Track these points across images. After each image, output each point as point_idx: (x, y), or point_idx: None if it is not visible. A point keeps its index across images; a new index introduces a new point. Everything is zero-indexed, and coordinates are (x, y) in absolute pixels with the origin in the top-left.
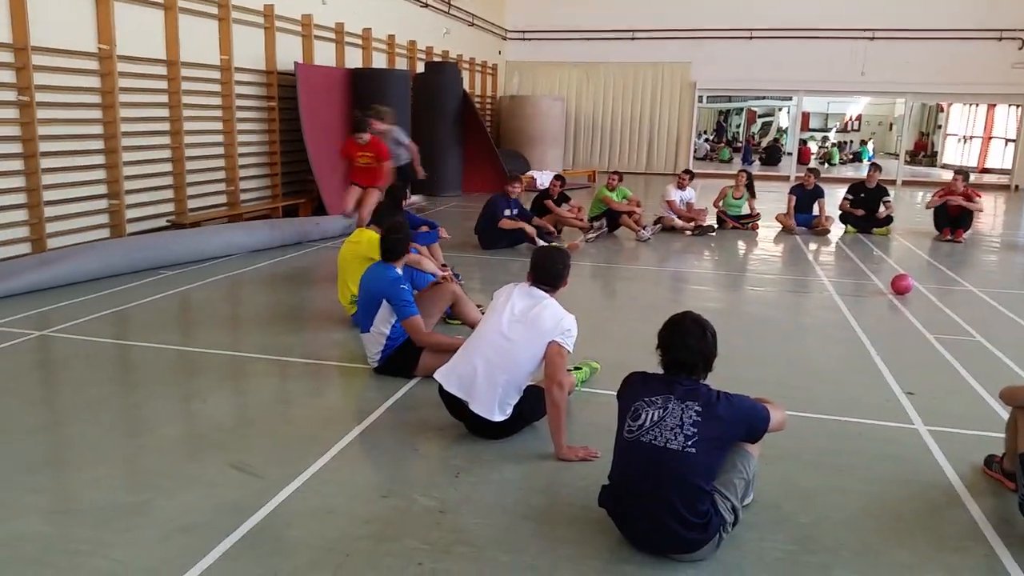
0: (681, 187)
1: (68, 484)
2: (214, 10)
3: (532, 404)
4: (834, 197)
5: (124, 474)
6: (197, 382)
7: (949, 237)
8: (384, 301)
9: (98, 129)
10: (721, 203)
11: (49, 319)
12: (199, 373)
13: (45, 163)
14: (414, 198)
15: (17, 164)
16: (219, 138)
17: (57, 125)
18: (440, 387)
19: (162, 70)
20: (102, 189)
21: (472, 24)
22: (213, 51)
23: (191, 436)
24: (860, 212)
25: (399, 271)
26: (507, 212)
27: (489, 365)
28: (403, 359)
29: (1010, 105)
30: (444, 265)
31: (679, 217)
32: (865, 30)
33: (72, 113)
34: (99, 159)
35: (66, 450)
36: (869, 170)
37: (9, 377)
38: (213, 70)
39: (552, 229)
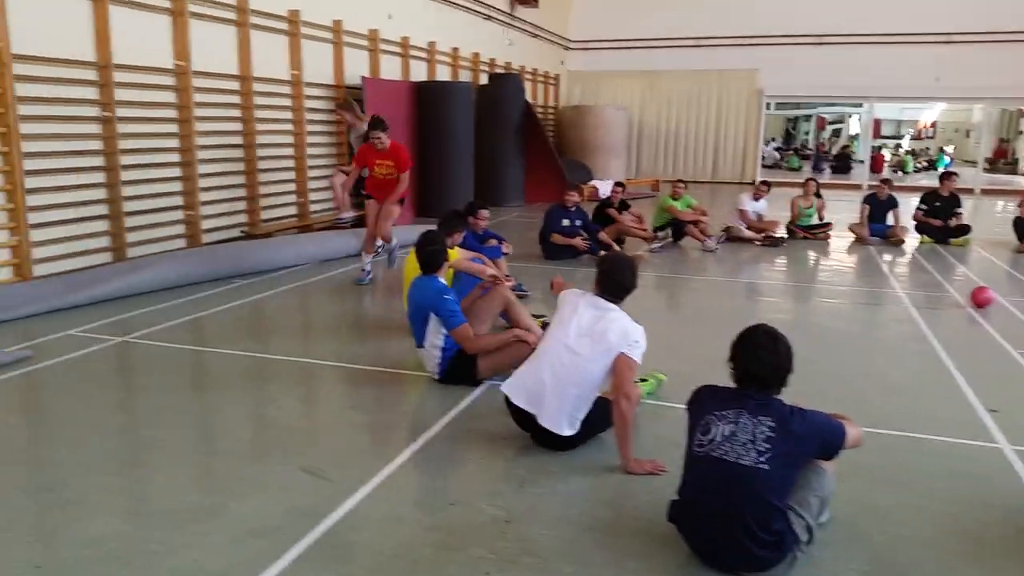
0: (757, 198)
1: (146, 485)
2: (284, 26)
3: (599, 416)
4: (908, 206)
5: (199, 477)
6: (269, 388)
7: None
8: (432, 314)
9: (175, 143)
10: (797, 211)
11: (129, 325)
12: (271, 379)
13: (125, 175)
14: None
15: (99, 177)
16: (290, 151)
17: (136, 139)
18: (507, 398)
19: (235, 85)
20: (179, 200)
21: (535, 35)
22: (284, 66)
23: (264, 440)
24: (938, 222)
25: (442, 281)
26: (564, 222)
27: (557, 379)
28: (463, 367)
29: None
30: (508, 276)
31: (749, 228)
32: (940, 34)
33: (150, 127)
34: (176, 171)
35: (144, 453)
36: (942, 179)
37: (92, 381)
38: (284, 85)
39: (613, 244)
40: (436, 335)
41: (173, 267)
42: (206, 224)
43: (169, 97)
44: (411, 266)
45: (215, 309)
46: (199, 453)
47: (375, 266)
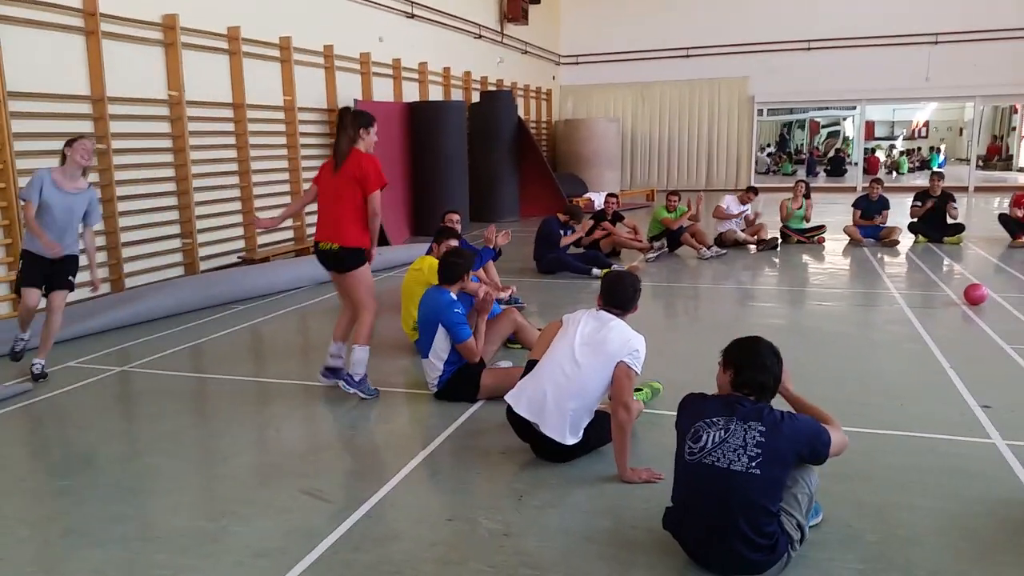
0: (744, 203)
1: (149, 512)
2: (276, 53)
3: (598, 430)
4: (904, 206)
5: (201, 501)
6: (269, 411)
7: None
8: (440, 325)
9: (170, 172)
10: (786, 212)
11: (129, 355)
12: (271, 403)
13: (122, 206)
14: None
15: None
16: (285, 175)
17: (132, 170)
18: (509, 408)
19: (229, 113)
20: (176, 229)
21: (525, 52)
22: (277, 92)
23: (264, 464)
24: (929, 204)
25: (453, 295)
26: (563, 233)
27: (558, 391)
28: (464, 383)
29: None
30: (506, 286)
31: (730, 220)
32: (928, 34)
33: (146, 158)
34: (172, 200)
35: (146, 480)
36: (931, 178)
37: (92, 411)
38: (277, 110)
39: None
40: (442, 348)
41: (171, 296)
42: (203, 251)
43: (164, 127)
44: (408, 283)
45: (214, 335)
46: (200, 478)
47: None
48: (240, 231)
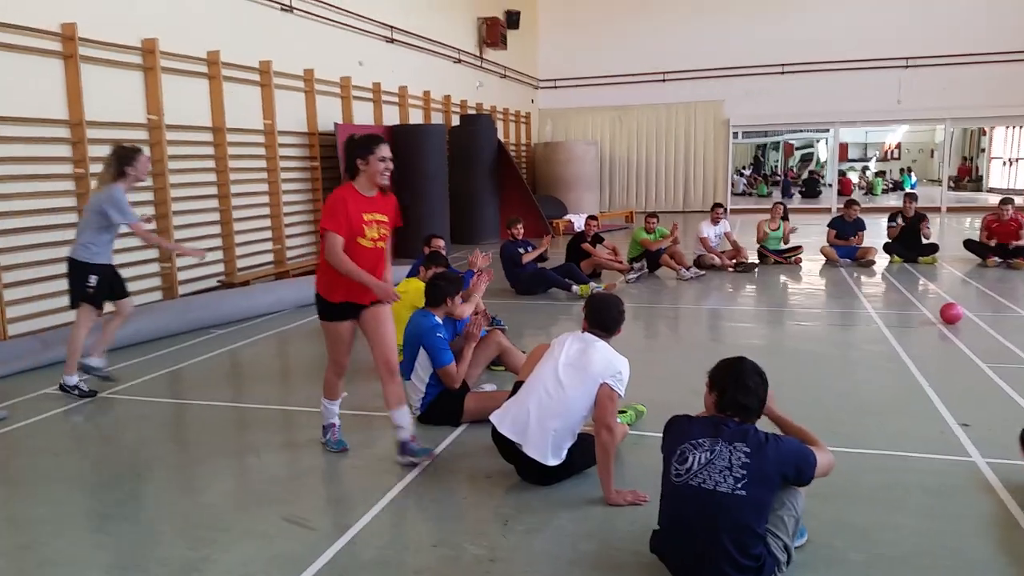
0: (715, 221)
1: (129, 540)
2: (256, 77)
3: (583, 452)
4: (879, 227)
5: (183, 529)
6: (250, 437)
7: (998, 260)
8: (422, 348)
9: (149, 196)
10: (764, 231)
11: (106, 381)
12: (252, 428)
13: None
14: None
15: (73, 235)
16: (265, 199)
17: None
18: (493, 429)
19: (208, 136)
20: (154, 253)
21: (504, 76)
22: (256, 116)
23: (246, 490)
24: (902, 224)
25: (438, 319)
26: (520, 250)
27: (542, 410)
28: (447, 407)
29: None
30: (493, 318)
31: (712, 252)
32: (899, 58)
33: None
34: (150, 225)
35: (127, 507)
36: (905, 200)
37: (71, 438)
38: (257, 134)
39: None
40: (424, 371)
41: (149, 320)
42: (182, 275)
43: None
44: (392, 305)
45: (193, 360)
46: (181, 506)
47: None
48: (220, 255)
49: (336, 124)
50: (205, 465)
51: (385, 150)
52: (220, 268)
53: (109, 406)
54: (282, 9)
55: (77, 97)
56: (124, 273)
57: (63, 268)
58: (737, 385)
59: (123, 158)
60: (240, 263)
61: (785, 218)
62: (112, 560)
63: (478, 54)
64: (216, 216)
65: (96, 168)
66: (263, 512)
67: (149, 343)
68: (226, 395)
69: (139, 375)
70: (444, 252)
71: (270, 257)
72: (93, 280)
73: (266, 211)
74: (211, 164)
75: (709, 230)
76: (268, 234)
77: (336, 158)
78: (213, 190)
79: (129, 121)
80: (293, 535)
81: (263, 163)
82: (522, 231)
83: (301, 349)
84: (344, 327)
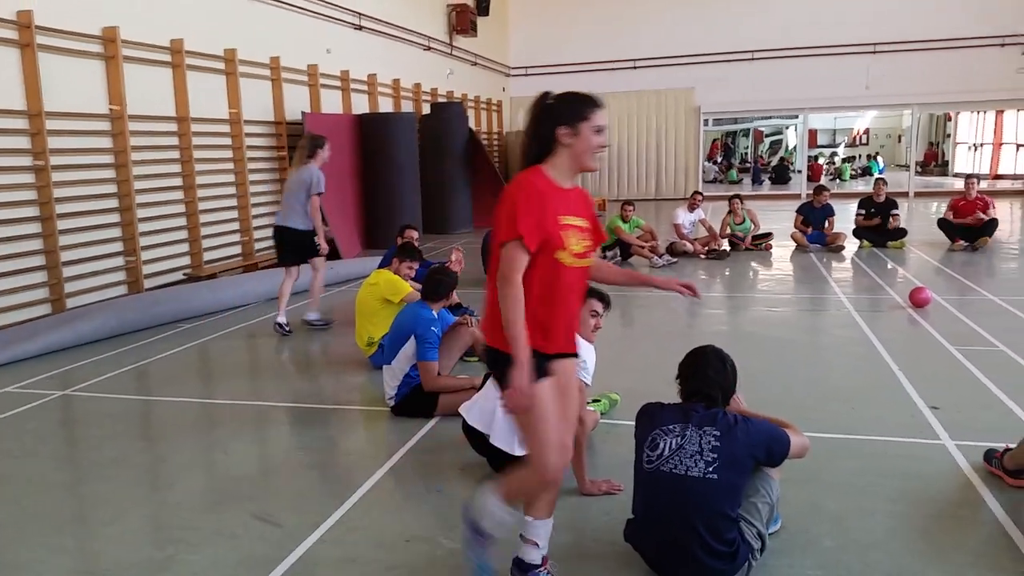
0: (692, 208)
1: (93, 542)
2: (221, 66)
3: None
4: (848, 212)
5: (148, 529)
6: (218, 433)
7: (964, 244)
8: (412, 338)
9: (112, 188)
10: (728, 230)
11: (71, 378)
12: (220, 424)
13: (62, 224)
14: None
15: (34, 227)
16: (231, 190)
17: (72, 187)
18: (464, 421)
19: (172, 127)
20: (118, 247)
21: (475, 64)
22: (222, 105)
23: (214, 488)
24: (876, 221)
25: (435, 314)
26: None
27: None
28: (421, 398)
29: (1018, 110)
30: (460, 304)
31: (685, 239)
32: (867, 44)
33: (86, 174)
34: (114, 217)
35: (90, 508)
36: (875, 185)
37: (34, 437)
38: (223, 124)
39: None
40: (408, 360)
41: (115, 315)
42: (147, 269)
43: (105, 143)
44: (363, 298)
45: (159, 356)
46: (147, 505)
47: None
48: (186, 247)
49: (303, 112)
50: (171, 463)
51: (602, 116)
52: (186, 261)
53: (73, 404)
54: None
55: (35, 88)
56: (90, 267)
57: (25, 263)
58: (697, 374)
59: (315, 143)
60: (207, 256)
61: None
62: (76, 564)
63: (448, 41)
64: (181, 208)
65: (57, 160)
66: (231, 510)
67: (114, 338)
68: (194, 391)
69: (103, 371)
70: (418, 242)
71: (238, 249)
72: (317, 241)
73: (233, 202)
74: (176, 155)
75: (684, 216)
76: (235, 226)
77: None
78: (178, 181)
79: (90, 112)
80: (262, 534)
81: (229, 153)
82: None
83: (271, 343)
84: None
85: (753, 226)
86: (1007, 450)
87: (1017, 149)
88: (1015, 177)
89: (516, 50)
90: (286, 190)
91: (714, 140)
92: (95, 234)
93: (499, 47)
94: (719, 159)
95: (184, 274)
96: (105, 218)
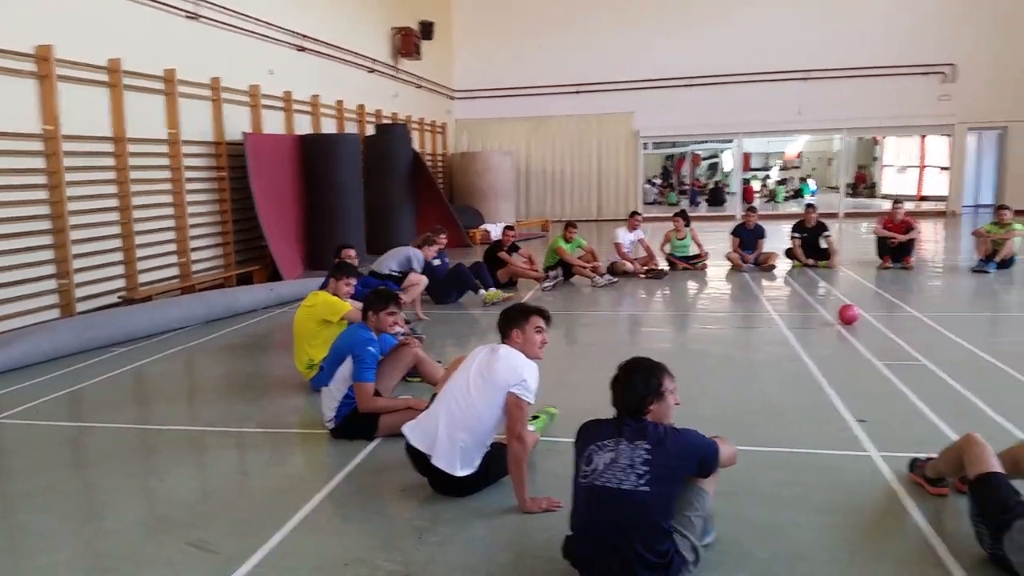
0: (632, 228)
1: (23, 574)
2: (160, 86)
3: (497, 462)
4: (780, 233)
5: (80, 560)
6: (154, 460)
7: (890, 265)
8: (349, 359)
9: (45, 209)
10: (668, 246)
11: (1, 404)
12: (155, 450)
13: None
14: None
15: None
16: (169, 211)
17: (2, 207)
18: (406, 442)
19: (109, 147)
20: (50, 269)
21: (420, 86)
22: (160, 125)
23: (149, 516)
24: (805, 259)
25: (373, 335)
26: (436, 262)
27: (451, 420)
28: (362, 420)
29: (941, 135)
30: (408, 321)
31: (626, 258)
32: (798, 71)
33: (17, 195)
34: (47, 239)
35: (20, 538)
36: (805, 210)
37: None
38: (161, 144)
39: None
40: (344, 381)
41: (47, 339)
42: (81, 292)
43: (38, 163)
44: (300, 320)
45: (93, 380)
46: (80, 534)
47: (254, 326)
48: (121, 269)
49: (244, 133)
50: (105, 490)
51: None
52: (122, 284)
53: (1, 432)
54: (187, 16)
55: None
56: (21, 290)
57: None
58: (617, 384)
59: None
60: (143, 277)
61: (687, 225)
62: None
63: (393, 64)
64: (117, 230)
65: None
66: (166, 537)
67: (46, 363)
68: (128, 416)
69: (34, 397)
70: (356, 262)
71: (175, 271)
72: None
73: (171, 223)
74: (112, 175)
75: (625, 236)
76: (173, 247)
77: (245, 168)
78: (114, 202)
79: (22, 131)
80: (198, 561)
81: (167, 174)
82: (444, 241)
83: (208, 366)
84: None
85: (694, 245)
86: (929, 459)
87: (940, 172)
88: (939, 199)
89: (460, 73)
90: None
91: (680, 157)
92: (26, 256)
93: (443, 70)
94: (672, 180)
95: (119, 297)
96: (37, 240)
